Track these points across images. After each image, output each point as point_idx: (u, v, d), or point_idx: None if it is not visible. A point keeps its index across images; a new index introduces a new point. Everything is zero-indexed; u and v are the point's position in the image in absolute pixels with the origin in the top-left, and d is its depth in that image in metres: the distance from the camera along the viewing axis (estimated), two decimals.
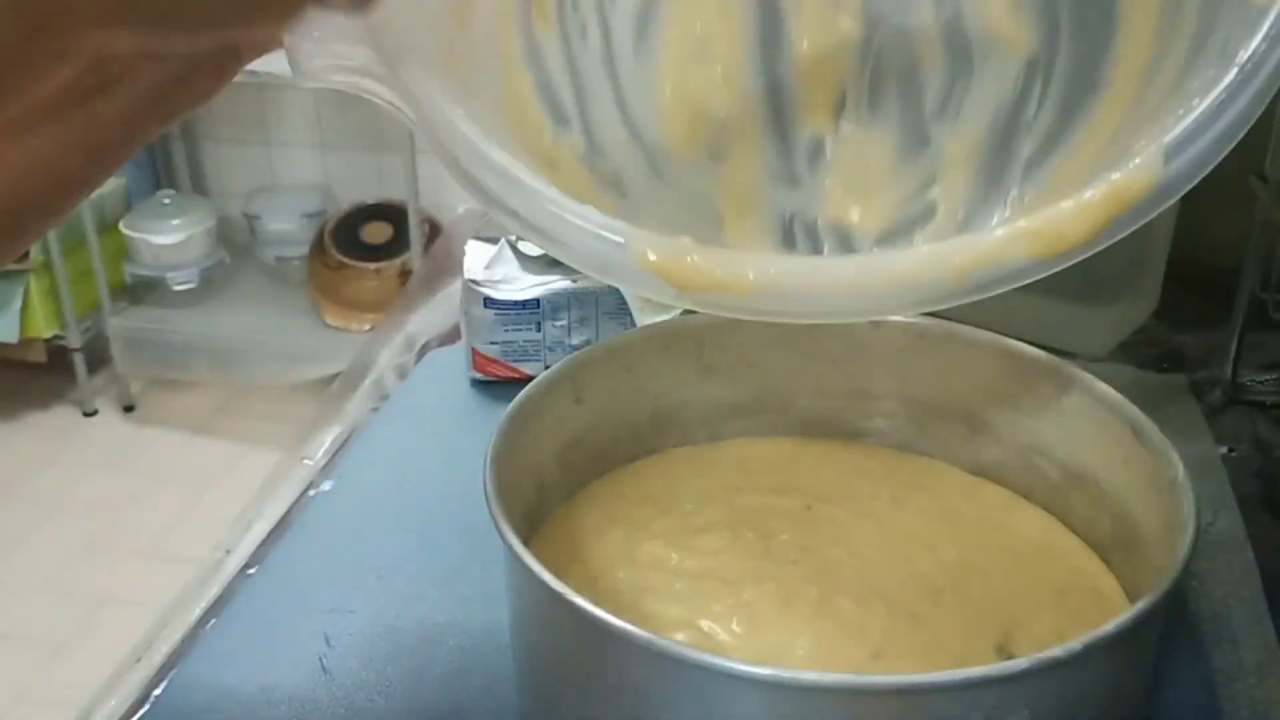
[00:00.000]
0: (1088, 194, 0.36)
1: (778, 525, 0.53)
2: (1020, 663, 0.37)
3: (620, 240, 0.37)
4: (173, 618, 0.56)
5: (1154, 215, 0.37)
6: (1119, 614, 0.48)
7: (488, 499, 0.44)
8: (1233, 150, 0.35)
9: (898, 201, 0.49)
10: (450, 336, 0.78)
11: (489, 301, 0.69)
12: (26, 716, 1.67)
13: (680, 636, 0.46)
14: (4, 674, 1.72)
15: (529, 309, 0.69)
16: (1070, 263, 0.37)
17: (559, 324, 0.69)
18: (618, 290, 0.69)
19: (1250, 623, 0.53)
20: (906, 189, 0.49)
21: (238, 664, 0.51)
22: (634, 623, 0.38)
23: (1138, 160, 0.36)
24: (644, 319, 0.67)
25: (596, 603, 0.39)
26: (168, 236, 2.19)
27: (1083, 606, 0.49)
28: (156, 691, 0.50)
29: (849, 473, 0.58)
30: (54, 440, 2.23)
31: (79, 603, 1.84)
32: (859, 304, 0.37)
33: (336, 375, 0.79)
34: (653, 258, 0.37)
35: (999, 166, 0.47)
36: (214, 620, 0.54)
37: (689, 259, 0.37)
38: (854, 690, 0.38)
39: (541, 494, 0.53)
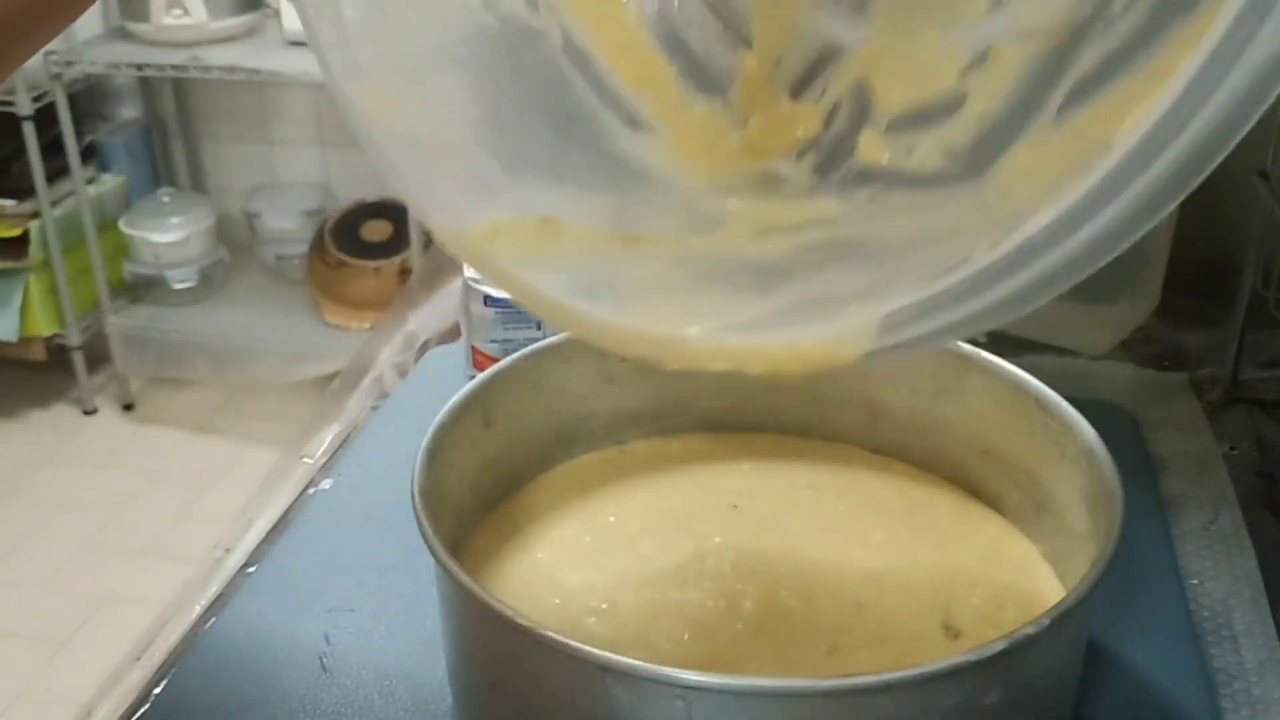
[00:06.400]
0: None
1: (708, 528, 0.53)
2: (998, 644, 0.38)
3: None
4: (173, 616, 0.56)
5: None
6: (1047, 580, 0.50)
7: (427, 539, 0.44)
8: (1234, 149, 0.32)
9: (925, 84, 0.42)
10: (450, 334, 0.78)
11: (489, 299, 0.69)
12: (27, 715, 1.67)
13: (634, 654, 0.45)
14: (4, 672, 1.72)
15: None
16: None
17: None
18: None
19: (1250, 622, 0.53)
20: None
21: (238, 663, 0.51)
22: (590, 644, 0.38)
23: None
24: None
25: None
26: (167, 235, 2.19)
27: (1009, 575, 0.51)
28: (157, 690, 0.50)
29: (764, 462, 0.58)
30: (54, 439, 2.23)
31: (79, 601, 1.84)
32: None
33: (336, 374, 0.79)
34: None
35: (1049, 72, 0.38)
36: (214, 619, 0.54)
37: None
38: (838, 693, 0.38)
39: (459, 523, 0.52)
